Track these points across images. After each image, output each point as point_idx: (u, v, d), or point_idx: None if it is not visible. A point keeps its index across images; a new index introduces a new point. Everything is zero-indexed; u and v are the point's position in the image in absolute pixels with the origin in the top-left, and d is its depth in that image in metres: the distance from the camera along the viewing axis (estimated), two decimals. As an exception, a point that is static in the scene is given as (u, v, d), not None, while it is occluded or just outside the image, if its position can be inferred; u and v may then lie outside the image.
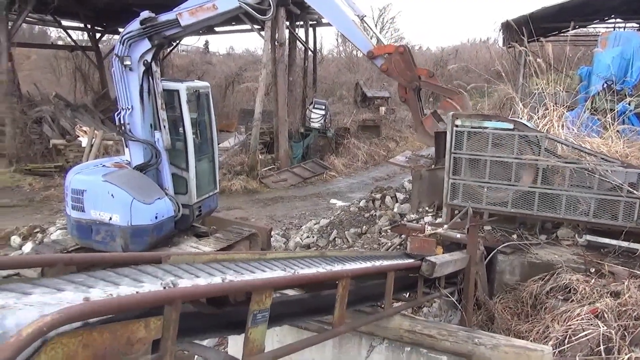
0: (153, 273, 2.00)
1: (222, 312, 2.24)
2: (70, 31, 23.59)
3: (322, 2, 6.28)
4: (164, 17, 6.53)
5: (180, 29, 6.63)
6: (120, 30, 23.61)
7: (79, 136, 15.97)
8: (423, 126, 6.10)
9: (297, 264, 3.11)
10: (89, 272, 1.92)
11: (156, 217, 6.94)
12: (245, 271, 2.56)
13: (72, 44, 23.74)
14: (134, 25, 6.56)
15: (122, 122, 6.85)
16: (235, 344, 3.90)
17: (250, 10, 6.21)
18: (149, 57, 6.67)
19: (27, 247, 8.70)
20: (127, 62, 6.59)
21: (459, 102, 6.05)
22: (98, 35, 23.63)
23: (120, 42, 6.61)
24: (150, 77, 6.80)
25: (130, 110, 6.82)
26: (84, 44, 24.63)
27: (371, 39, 6.09)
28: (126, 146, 7.23)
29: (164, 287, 1.79)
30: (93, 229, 6.80)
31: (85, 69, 24.86)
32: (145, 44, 6.59)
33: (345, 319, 2.89)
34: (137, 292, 1.62)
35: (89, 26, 22.61)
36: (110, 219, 6.67)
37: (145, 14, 6.56)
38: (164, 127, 7.01)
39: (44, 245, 7.86)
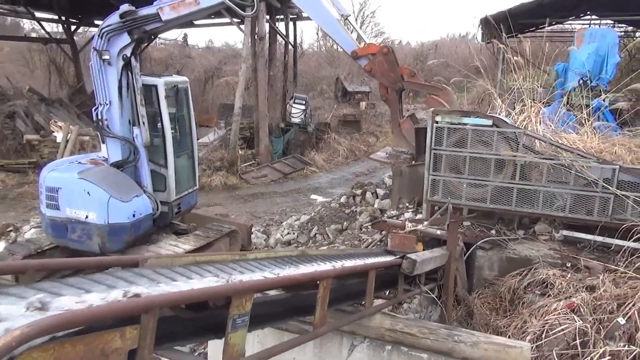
0: (129, 278, 1.94)
1: (201, 317, 2.20)
2: (44, 23, 22.97)
3: (307, 1, 6.24)
4: (145, 11, 6.38)
5: (161, 24, 6.50)
6: (97, 22, 23.05)
7: (53, 131, 15.59)
8: (400, 128, 6.00)
9: (278, 264, 3.08)
10: (61, 279, 1.86)
11: (134, 215, 6.82)
12: (225, 274, 2.52)
13: (46, 36, 23.13)
14: (114, 19, 6.40)
15: (99, 117, 6.70)
16: (214, 348, 3.86)
17: (233, 6, 6.13)
18: (128, 52, 6.52)
19: (0, 246, 8.47)
20: (106, 57, 6.44)
21: (444, 97, 6.04)
22: (73, 27, 23.06)
23: (99, 35, 6.44)
24: (129, 72, 6.67)
25: (108, 105, 6.67)
26: (58, 37, 24.00)
27: (356, 38, 6.06)
28: (103, 142, 7.09)
29: (125, 297, 1.72)
30: (69, 228, 6.66)
31: (60, 62, 24.26)
32: (125, 39, 6.44)
33: (326, 320, 2.88)
34: (117, 300, 1.57)
35: (63, 18, 22.04)
36: (87, 217, 6.53)
37: (125, 7, 6.40)
38: (143, 123, 6.87)
39: (18, 245, 7.65)
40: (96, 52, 6.46)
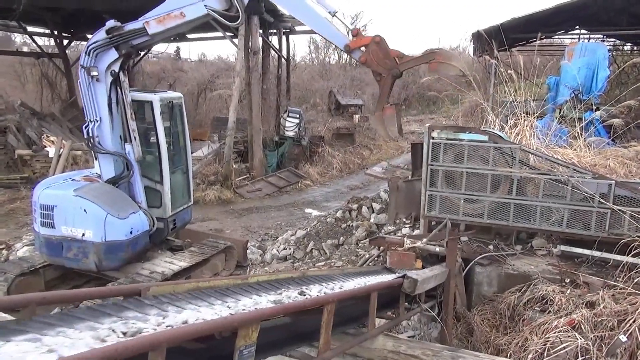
0: (139, 310, 1.90)
1: (207, 347, 2.16)
2: (36, 37, 22.90)
3: (293, 4, 6.24)
4: (131, 26, 6.34)
5: (148, 38, 6.45)
6: (89, 36, 23.06)
7: (45, 146, 15.47)
8: (382, 112, 5.96)
9: (280, 286, 3.04)
10: (67, 312, 1.81)
11: (131, 232, 6.78)
12: (230, 300, 2.48)
13: (38, 50, 23.03)
14: (100, 35, 6.37)
15: (90, 134, 6.65)
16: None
17: (219, 17, 6.11)
18: (116, 67, 6.49)
19: (-8, 264, 8.32)
20: (94, 73, 6.40)
21: (440, 57, 5.70)
22: (65, 41, 22.99)
23: (85, 52, 6.42)
24: (118, 88, 6.63)
25: (99, 122, 6.63)
26: (50, 50, 23.91)
27: (347, 33, 5.98)
28: (96, 159, 7.03)
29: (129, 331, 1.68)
30: (64, 246, 6.59)
31: (52, 76, 24.13)
32: (112, 54, 6.42)
33: (330, 345, 2.84)
34: (125, 340, 1.53)
35: (55, 32, 21.98)
36: (83, 235, 6.49)
37: (110, 23, 6.38)
38: (135, 138, 6.84)
39: (10, 263, 7.52)
40: (84, 70, 6.42)
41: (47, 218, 6.59)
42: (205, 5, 6.04)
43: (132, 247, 6.82)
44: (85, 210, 6.43)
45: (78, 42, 25.21)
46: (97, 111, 6.58)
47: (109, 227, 6.49)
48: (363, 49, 5.78)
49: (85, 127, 6.73)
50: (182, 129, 7.73)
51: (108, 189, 6.85)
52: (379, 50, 5.76)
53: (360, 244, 8.53)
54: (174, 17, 6.19)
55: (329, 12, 6.04)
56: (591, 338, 4.54)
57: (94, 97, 6.54)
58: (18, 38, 31.03)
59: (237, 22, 6.23)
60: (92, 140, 6.67)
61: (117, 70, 6.48)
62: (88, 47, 6.37)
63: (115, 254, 6.63)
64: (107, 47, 6.35)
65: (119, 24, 6.37)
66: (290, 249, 9.36)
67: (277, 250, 9.47)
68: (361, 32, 6.01)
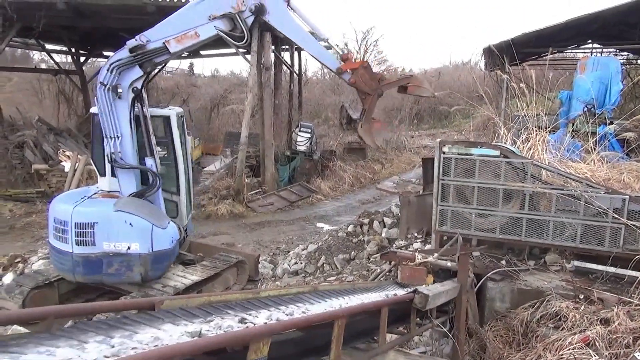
0: (152, 323, 1.94)
1: (218, 360, 2.18)
2: (53, 54, 23.44)
3: (293, 31, 6.78)
4: (153, 45, 6.54)
5: (169, 55, 6.73)
6: (106, 53, 23.30)
7: (62, 161, 15.73)
8: (371, 125, 6.96)
9: (291, 301, 3.07)
10: (81, 324, 1.86)
11: (172, 241, 7.00)
12: (241, 314, 2.51)
13: (56, 67, 23.56)
14: (123, 53, 6.51)
15: (112, 150, 6.73)
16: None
17: (227, 37, 6.48)
18: (139, 84, 6.65)
19: (8, 277, 8.44)
20: (120, 90, 6.56)
21: (416, 81, 7.04)
22: (82, 58, 23.50)
23: (108, 70, 6.53)
24: (139, 104, 6.79)
25: (120, 138, 6.73)
26: (67, 67, 24.45)
27: (337, 58, 6.86)
28: (112, 175, 7.10)
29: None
30: (104, 262, 6.57)
31: (69, 92, 24.63)
32: (137, 72, 6.58)
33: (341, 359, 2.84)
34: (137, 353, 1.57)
35: (73, 50, 22.48)
36: (129, 248, 6.55)
37: (132, 42, 6.54)
38: (156, 152, 7.02)
39: (26, 276, 7.62)
40: (104, 87, 6.51)
41: (85, 236, 6.52)
42: (214, 26, 6.42)
43: (173, 255, 7.07)
44: (130, 224, 6.51)
45: (94, 59, 25.75)
46: (117, 128, 6.67)
47: (155, 238, 6.65)
48: (349, 71, 6.66)
49: (106, 145, 6.68)
50: (185, 140, 7.96)
51: (142, 203, 6.94)
52: (366, 74, 6.71)
53: (371, 259, 8.52)
54: (190, 37, 6.50)
55: (322, 39, 6.81)
56: (606, 355, 4.47)
57: (114, 114, 6.62)
58: (36, 55, 31.82)
59: (243, 42, 6.55)
60: (113, 157, 6.74)
61: (139, 87, 6.66)
62: (111, 65, 6.48)
63: (161, 263, 6.82)
64: (130, 65, 6.52)
65: (141, 42, 6.53)
66: (301, 263, 9.37)
67: (289, 265, 9.49)
68: (351, 58, 6.92)
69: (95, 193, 7.18)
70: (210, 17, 6.37)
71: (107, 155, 6.70)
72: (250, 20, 6.46)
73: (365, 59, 43.23)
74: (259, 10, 6.41)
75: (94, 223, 6.52)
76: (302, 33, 6.72)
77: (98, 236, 6.52)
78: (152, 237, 6.62)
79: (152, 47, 6.54)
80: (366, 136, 7.05)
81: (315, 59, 7.24)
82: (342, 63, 6.74)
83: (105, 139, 6.63)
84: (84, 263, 6.59)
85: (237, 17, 6.40)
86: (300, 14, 6.70)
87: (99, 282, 6.75)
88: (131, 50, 6.50)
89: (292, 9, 6.65)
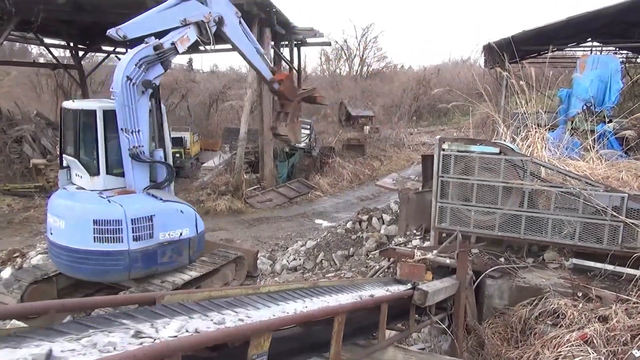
0: (153, 318, 1.94)
1: (219, 355, 2.19)
2: (52, 48, 23.33)
3: (242, 42, 7.95)
4: (167, 45, 6.90)
5: (177, 54, 7.23)
6: (105, 48, 23.06)
7: (60, 155, 15.68)
8: (294, 124, 8.65)
9: (291, 297, 3.07)
10: (81, 319, 1.86)
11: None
12: (241, 309, 2.51)
13: (54, 61, 23.45)
14: (148, 50, 6.68)
15: (134, 144, 6.66)
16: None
17: (201, 40, 7.37)
18: (157, 81, 6.92)
19: (6, 272, 8.43)
20: (147, 85, 6.68)
21: (319, 93, 9.31)
22: (81, 53, 23.38)
23: (137, 65, 6.53)
24: (154, 99, 6.93)
25: (139, 132, 6.74)
26: (66, 62, 24.34)
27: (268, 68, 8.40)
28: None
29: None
30: (159, 253, 6.79)
31: (68, 86, 24.54)
32: (159, 69, 6.89)
33: (341, 356, 2.85)
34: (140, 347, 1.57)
35: (71, 44, 22.37)
36: (181, 234, 6.98)
37: (155, 41, 6.76)
38: (168, 145, 7.35)
39: (24, 271, 7.63)
40: (130, 81, 6.49)
41: (144, 230, 6.58)
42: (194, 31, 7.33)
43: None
44: (182, 212, 6.97)
45: (93, 54, 25.64)
46: (136, 122, 6.68)
47: (198, 220, 7.22)
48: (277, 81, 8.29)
49: (126, 138, 6.64)
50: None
51: (169, 192, 7.24)
52: (290, 84, 8.65)
53: (370, 255, 8.53)
54: (185, 40, 7.18)
55: (261, 53, 8.30)
56: (604, 353, 4.48)
57: (134, 108, 6.62)
58: (34, 49, 31.64)
59: (209, 44, 7.47)
60: (135, 151, 6.69)
61: (157, 83, 6.90)
62: (140, 60, 6.56)
63: (202, 242, 7.43)
64: (155, 62, 6.77)
65: (160, 42, 6.79)
66: (300, 259, 9.38)
67: (287, 261, 9.49)
68: (278, 70, 8.94)
69: (100, 192, 7.00)
70: (182, 21, 7.03)
71: (127, 149, 6.61)
72: (214, 30, 7.40)
73: (364, 56, 43.81)
74: (220, 22, 7.40)
75: (151, 216, 6.67)
76: (249, 45, 8.06)
77: (156, 228, 6.73)
78: (196, 220, 7.18)
79: (167, 47, 6.90)
80: (290, 134, 8.59)
81: (253, 67, 8.63)
82: (272, 75, 8.39)
83: (122, 134, 6.61)
84: (142, 258, 6.68)
85: (206, 25, 7.29)
86: (247, 31, 8.03)
87: (154, 273, 6.90)
88: (155, 48, 6.75)
89: (242, 25, 7.90)
